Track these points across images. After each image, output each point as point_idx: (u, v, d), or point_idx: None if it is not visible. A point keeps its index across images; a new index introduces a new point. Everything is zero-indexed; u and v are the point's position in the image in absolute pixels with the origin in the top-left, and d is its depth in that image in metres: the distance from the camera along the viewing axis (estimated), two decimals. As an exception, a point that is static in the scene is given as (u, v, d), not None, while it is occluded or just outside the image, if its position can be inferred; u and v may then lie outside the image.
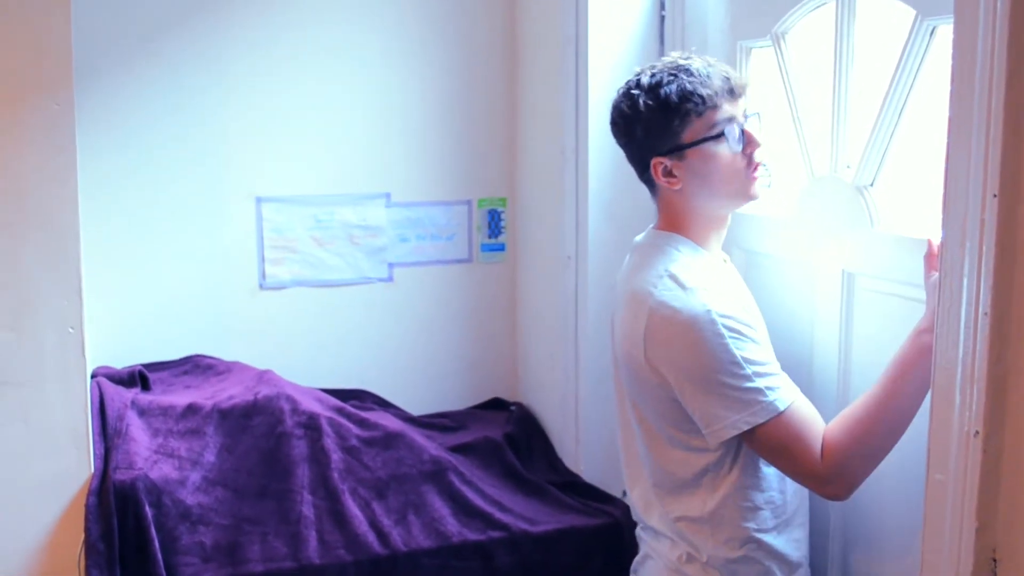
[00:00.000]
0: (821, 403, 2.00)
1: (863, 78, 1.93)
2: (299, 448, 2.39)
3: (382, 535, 2.32)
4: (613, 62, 2.48)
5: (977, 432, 1.30)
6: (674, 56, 1.80)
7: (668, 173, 1.75)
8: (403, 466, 2.44)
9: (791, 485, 1.80)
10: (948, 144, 1.32)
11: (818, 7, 2.02)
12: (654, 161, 1.75)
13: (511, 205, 3.02)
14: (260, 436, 2.38)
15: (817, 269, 2.01)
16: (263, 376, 2.57)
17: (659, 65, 1.77)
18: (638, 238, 1.89)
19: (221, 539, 2.26)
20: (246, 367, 2.69)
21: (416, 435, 2.54)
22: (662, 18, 2.50)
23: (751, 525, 1.76)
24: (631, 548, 2.49)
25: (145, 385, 2.59)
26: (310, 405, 2.47)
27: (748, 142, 1.74)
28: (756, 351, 1.66)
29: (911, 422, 1.63)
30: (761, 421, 1.63)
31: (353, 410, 2.57)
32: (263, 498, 2.33)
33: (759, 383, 1.63)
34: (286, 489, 2.34)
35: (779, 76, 2.14)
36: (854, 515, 1.97)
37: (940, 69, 1.57)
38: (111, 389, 2.46)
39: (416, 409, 2.88)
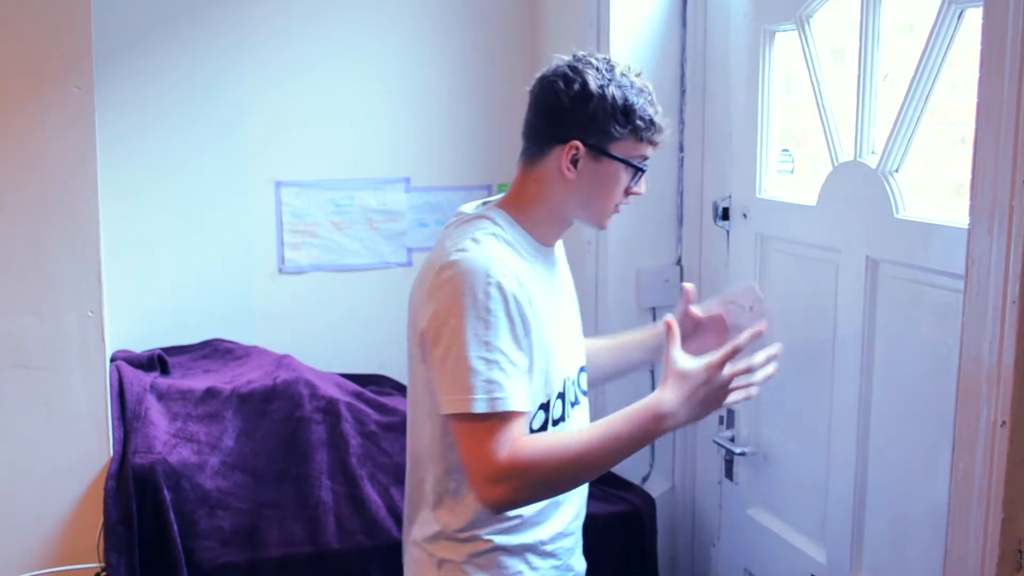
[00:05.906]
0: (843, 390, 2.00)
1: (889, 62, 1.90)
2: (318, 433, 2.39)
3: (400, 521, 2.32)
4: (635, 46, 2.47)
5: (1004, 422, 1.28)
6: (636, 72, 1.67)
7: (573, 161, 1.62)
8: (421, 451, 2.44)
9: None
10: (976, 130, 1.30)
11: (843, -10, 2.00)
12: (573, 143, 1.61)
13: (531, 190, 3.00)
14: (279, 421, 2.39)
15: (840, 255, 1.99)
16: (282, 361, 2.57)
17: (634, 71, 1.65)
18: (468, 208, 1.72)
19: (240, 524, 2.27)
20: (265, 351, 2.69)
21: (435, 421, 2.54)
22: (684, 2, 2.48)
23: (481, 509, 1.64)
24: (651, 535, 2.49)
25: (164, 369, 2.60)
26: (329, 390, 2.47)
27: (638, 187, 1.67)
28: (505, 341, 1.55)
29: (594, 478, 1.62)
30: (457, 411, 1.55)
31: (372, 395, 2.56)
32: (282, 483, 2.33)
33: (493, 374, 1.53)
34: (305, 474, 2.35)
35: (803, 60, 2.11)
36: (878, 505, 1.95)
37: (968, 54, 1.54)
38: (130, 373, 2.47)
39: (435, 394, 2.87)
